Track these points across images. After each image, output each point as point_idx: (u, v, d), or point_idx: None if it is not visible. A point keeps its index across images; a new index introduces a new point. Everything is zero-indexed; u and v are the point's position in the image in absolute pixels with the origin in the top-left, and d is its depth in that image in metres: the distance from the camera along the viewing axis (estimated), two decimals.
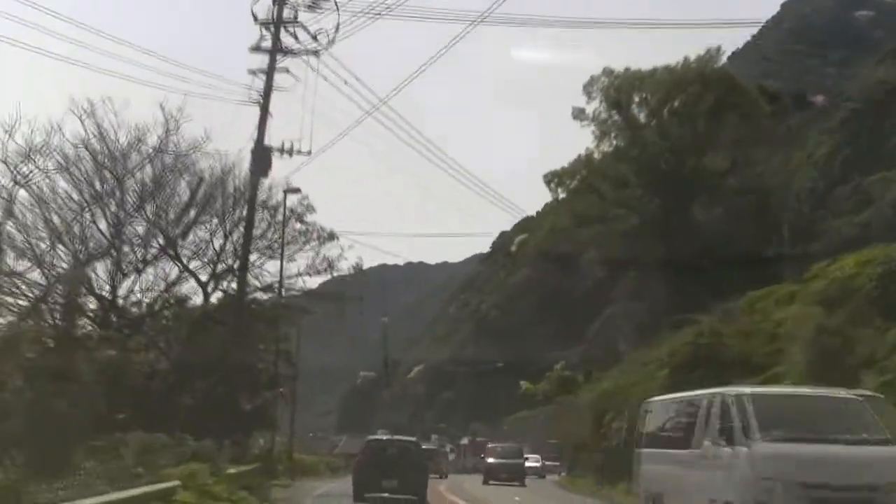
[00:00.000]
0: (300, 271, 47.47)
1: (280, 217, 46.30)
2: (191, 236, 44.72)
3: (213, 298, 46.11)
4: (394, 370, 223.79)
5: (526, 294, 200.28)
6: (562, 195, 70.39)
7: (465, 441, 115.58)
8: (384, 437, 37.85)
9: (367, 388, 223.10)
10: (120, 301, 42.85)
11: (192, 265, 45.30)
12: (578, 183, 69.59)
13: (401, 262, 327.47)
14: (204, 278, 45.51)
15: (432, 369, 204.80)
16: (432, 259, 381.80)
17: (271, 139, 43.57)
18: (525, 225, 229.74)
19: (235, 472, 28.07)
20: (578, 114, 70.44)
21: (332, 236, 47.10)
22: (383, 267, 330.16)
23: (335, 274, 47.26)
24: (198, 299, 45.58)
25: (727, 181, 68.02)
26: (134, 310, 43.58)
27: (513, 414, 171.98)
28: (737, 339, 39.62)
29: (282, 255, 47.08)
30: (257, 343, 47.48)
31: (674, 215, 64.42)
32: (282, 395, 50.55)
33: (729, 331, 40.54)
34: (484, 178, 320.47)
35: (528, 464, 65.67)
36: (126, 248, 42.18)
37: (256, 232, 45.39)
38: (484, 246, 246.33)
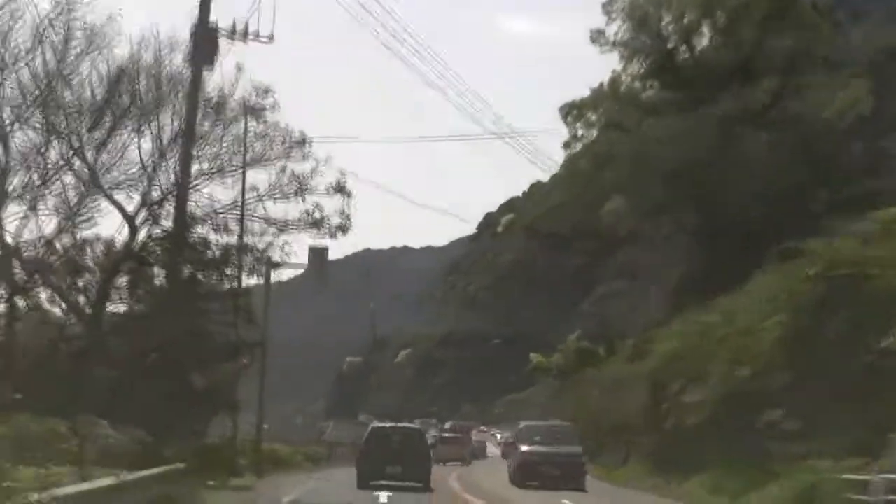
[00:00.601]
0: (260, 194, 33.32)
1: (229, 113, 32.23)
2: (109, 149, 30.57)
3: (143, 235, 32.16)
4: (381, 355, 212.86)
5: (515, 274, 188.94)
6: (580, 131, 56.28)
7: (448, 425, 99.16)
8: (388, 425, 36.13)
9: (354, 373, 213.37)
10: (8, 236, 28.99)
11: (115, 194, 31.29)
12: (602, 114, 55.49)
13: (385, 247, 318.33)
14: (130, 208, 31.69)
15: (420, 353, 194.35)
16: (417, 243, 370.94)
17: (218, 18, 30.34)
18: (511, 205, 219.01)
19: (83, 489, 13.62)
20: (597, 37, 56.56)
21: (302, 142, 32.73)
22: (367, 252, 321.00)
23: (308, 196, 32.61)
24: (122, 237, 31.68)
25: (775, 111, 54.47)
26: (30, 250, 29.71)
27: (505, 396, 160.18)
28: (880, 269, 26.35)
29: (243, 176, 33.17)
30: (208, 299, 33.60)
31: (715, 150, 50.84)
32: (245, 367, 36.74)
33: (865, 259, 27.23)
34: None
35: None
36: (15, 161, 28.23)
37: (202, 150, 31.78)
38: (469, 229, 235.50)
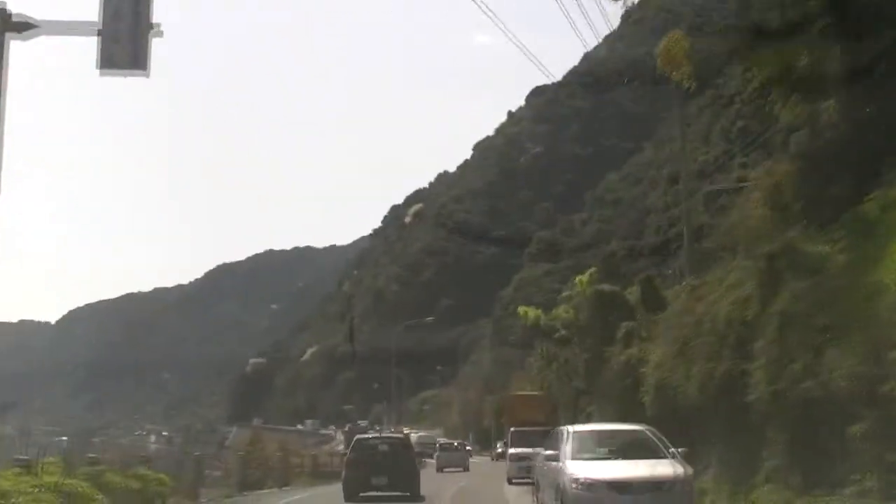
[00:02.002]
0: None
1: None
2: None
3: None
4: (286, 354, 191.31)
5: (426, 263, 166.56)
6: None
7: (346, 428, 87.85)
8: (372, 436, 35.73)
9: (258, 375, 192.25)
10: None
11: None
12: None
13: (287, 247, 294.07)
14: None
15: (327, 350, 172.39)
16: (320, 242, 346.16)
17: None
18: (418, 196, 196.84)
19: None
20: None
21: None
22: (270, 252, 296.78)
23: None
24: None
25: None
26: None
27: (420, 393, 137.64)
28: None
29: None
30: None
31: None
32: None
33: None
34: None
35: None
36: None
37: None
38: (373, 225, 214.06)
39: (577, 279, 36.33)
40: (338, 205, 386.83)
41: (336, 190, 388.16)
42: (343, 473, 27.61)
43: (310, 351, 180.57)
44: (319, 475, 39.33)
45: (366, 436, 34.27)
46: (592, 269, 36.39)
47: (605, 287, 34.84)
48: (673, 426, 25.22)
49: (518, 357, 77.79)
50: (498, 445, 43.94)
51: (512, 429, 34.22)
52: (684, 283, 30.44)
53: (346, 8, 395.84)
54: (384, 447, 27.91)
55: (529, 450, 26.62)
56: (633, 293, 34.15)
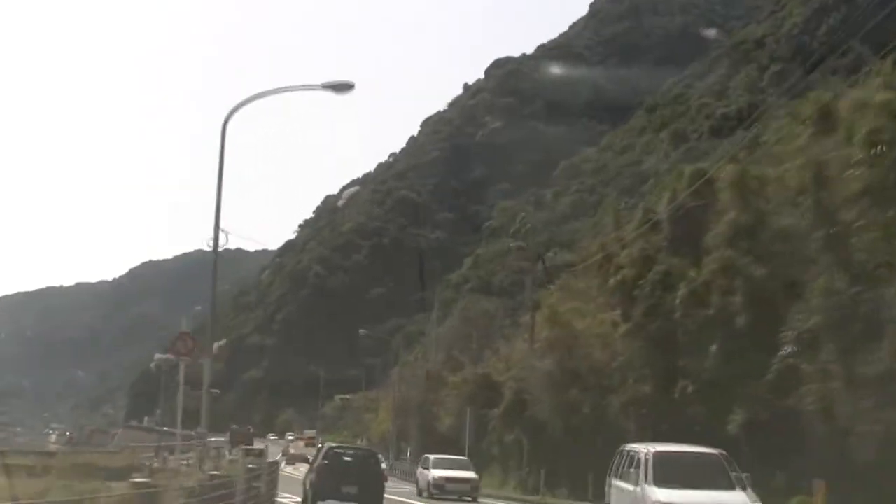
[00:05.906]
0: None
1: None
2: None
3: None
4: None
5: (358, 246, 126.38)
6: None
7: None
8: (343, 446, 31.16)
9: (162, 371, 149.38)
10: None
11: None
12: None
13: (219, 248, 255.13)
14: None
15: (235, 343, 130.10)
16: (251, 245, 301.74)
17: None
18: (356, 183, 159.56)
19: None
20: None
21: None
22: (199, 252, 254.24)
23: None
24: None
25: None
26: None
27: (339, 396, 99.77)
28: None
29: None
30: None
31: None
32: None
33: None
34: None
35: None
36: None
37: None
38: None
39: None
40: (273, 208, 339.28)
41: (271, 192, 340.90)
42: (311, 478, 25.39)
43: (217, 344, 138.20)
44: None
45: (336, 445, 30.29)
46: None
47: None
48: None
49: (510, 307, 40.55)
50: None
51: None
52: None
53: None
54: (354, 458, 26.01)
55: None
56: None
